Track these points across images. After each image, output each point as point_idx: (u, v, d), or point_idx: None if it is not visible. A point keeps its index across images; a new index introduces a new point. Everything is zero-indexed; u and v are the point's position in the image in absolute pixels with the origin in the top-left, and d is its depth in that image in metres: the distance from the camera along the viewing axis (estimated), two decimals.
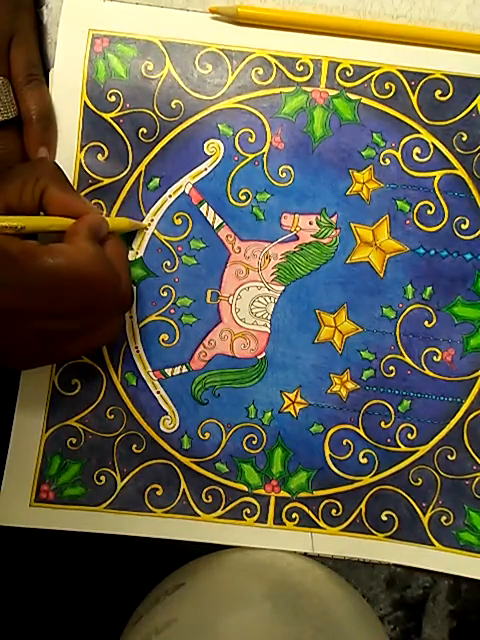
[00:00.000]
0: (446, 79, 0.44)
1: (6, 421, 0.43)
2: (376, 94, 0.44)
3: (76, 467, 0.44)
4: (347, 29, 0.43)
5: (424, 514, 0.44)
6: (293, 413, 0.44)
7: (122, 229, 0.42)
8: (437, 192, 0.44)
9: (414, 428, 0.44)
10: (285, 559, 0.43)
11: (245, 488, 0.44)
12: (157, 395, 0.44)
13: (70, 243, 0.38)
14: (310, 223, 0.44)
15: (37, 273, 0.36)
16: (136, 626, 0.39)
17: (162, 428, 0.44)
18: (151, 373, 0.44)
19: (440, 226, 0.44)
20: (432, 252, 0.44)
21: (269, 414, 0.44)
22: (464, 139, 0.44)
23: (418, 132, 0.44)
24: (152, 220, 0.44)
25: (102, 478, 0.44)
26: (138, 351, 0.44)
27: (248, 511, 0.44)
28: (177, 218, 0.44)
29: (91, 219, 0.39)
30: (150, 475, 0.44)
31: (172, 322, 0.44)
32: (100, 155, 0.44)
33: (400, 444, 0.44)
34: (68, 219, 0.39)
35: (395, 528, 0.44)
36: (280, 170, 0.44)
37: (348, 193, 0.44)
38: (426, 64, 0.44)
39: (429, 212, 0.44)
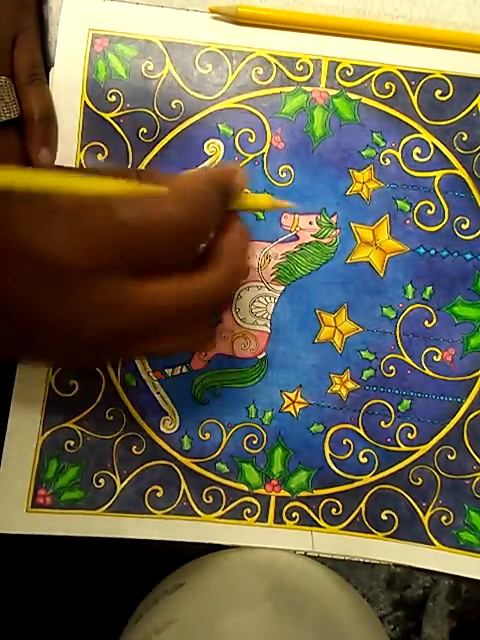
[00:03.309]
0: (446, 79, 0.44)
1: (0, 424, 0.43)
2: (376, 94, 0.44)
3: (74, 470, 0.43)
4: (347, 29, 0.43)
5: (424, 514, 0.44)
6: (293, 413, 0.44)
7: (260, 207, 0.40)
8: (437, 192, 0.44)
9: (414, 428, 0.44)
10: (285, 559, 0.43)
11: (245, 488, 0.44)
12: (157, 396, 0.44)
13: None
14: (310, 223, 0.44)
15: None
16: (136, 626, 0.39)
17: (162, 429, 0.44)
18: (151, 373, 0.44)
19: (440, 226, 0.44)
20: (432, 252, 0.44)
21: (269, 414, 0.44)
22: (464, 139, 0.44)
23: (418, 132, 0.44)
24: None
25: (101, 481, 0.43)
26: None
27: (248, 511, 0.44)
28: None
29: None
30: (150, 476, 0.44)
31: None
32: (100, 155, 0.43)
33: (400, 444, 0.44)
34: None
35: (395, 527, 0.44)
36: (280, 170, 0.44)
37: (348, 193, 0.44)
38: (426, 64, 0.44)
39: (429, 212, 0.44)
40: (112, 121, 0.43)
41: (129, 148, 0.43)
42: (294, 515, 0.44)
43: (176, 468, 0.44)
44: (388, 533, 0.44)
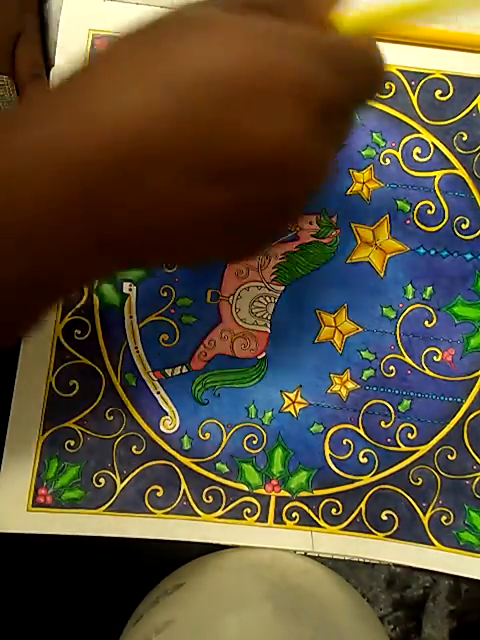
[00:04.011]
0: (446, 79, 0.44)
1: (1, 424, 0.43)
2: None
3: (74, 470, 0.43)
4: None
5: (424, 514, 0.44)
6: (293, 413, 0.44)
7: None
8: (437, 192, 0.44)
9: (414, 428, 0.44)
10: (285, 559, 0.43)
11: (245, 488, 0.44)
12: (157, 395, 0.44)
13: None
14: (310, 223, 0.44)
15: None
16: (136, 626, 0.39)
17: (162, 429, 0.44)
18: (151, 373, 0.44)
19: (440, 226, 0.44)
20: (432, 252, 0.44)
21: (269, 414, 0.44)
22: (464, 139, 0.44)
23: (418, 132, 0.44)
24: None
25: (101, 480, 0.43)
26: (138, 351, 0.44)
27: (248, 511, 0.44)
28: None
29: None
30: (150, 476, 0.44)
31: (172, 322, 0.44)
32: None
33: (400, 444, 0.44)
34: None
35: (395, 528, 0.44)
36: None
37: (348, 193, 0.44)
38: (426, 64, 0.44)
39: (429, 212, 0.44)
40: None
41: None
42: (294, 515, 0.44)
43: (176, 468, 0.44)
44: (388, 533, 0.44)
